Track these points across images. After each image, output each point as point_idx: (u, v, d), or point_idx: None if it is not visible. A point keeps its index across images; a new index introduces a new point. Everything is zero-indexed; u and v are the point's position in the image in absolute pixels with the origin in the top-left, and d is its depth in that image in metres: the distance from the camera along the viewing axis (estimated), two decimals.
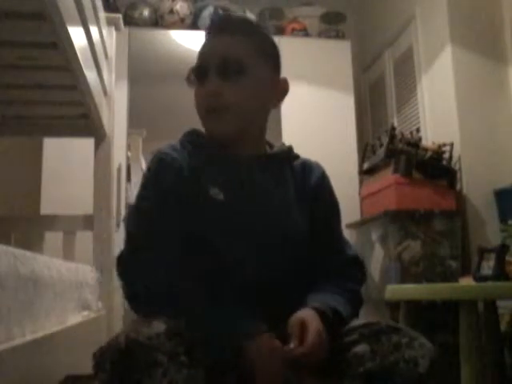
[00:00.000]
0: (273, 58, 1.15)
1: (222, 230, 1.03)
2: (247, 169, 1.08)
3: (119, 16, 2.82)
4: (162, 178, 1.04)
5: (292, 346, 0.87)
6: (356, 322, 0.97)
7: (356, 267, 1.14)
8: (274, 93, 1.15)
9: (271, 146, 1.18)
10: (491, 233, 2.75)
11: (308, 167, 1.17)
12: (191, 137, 1.11)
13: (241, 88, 1.05)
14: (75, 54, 1.53)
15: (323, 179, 1.17)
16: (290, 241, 1.06)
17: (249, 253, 1.01)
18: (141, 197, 1.04)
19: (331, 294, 1.02)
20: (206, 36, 1.11)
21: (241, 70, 1.05)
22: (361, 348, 0.90)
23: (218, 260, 1.01)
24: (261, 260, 1.02)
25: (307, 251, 1.08)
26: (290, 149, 1.19)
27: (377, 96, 4.03)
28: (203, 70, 1.07)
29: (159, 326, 0.81)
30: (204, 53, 1.09)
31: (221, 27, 1.11)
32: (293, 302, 1.00)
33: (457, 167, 2.85)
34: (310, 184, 1.15)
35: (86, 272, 1.91)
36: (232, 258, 1.01)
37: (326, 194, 1.17)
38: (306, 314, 0.93)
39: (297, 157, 1.19)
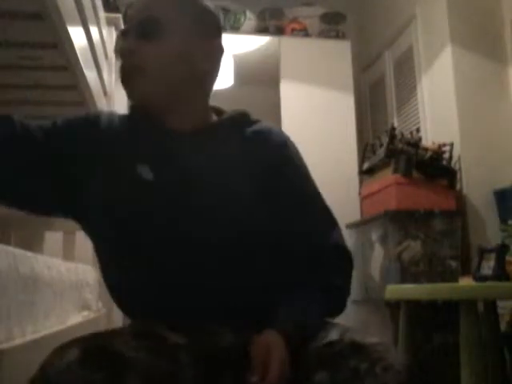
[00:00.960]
0: (203, 20, 1.01)
1: (150, 212, 0.92)
2: (183, 145, 0.96)
3: (119, 16, 2.82)
4: (80, 128, 0.98)
5: (255, 379, 0.78)
6: (319, 342, 0.85)
7: (338, 255, 0.99)
8: (206, 57, 0.99)
9: (221, 114, 1.04)
10: (491, 233, 2.74)
11: (263, 135, 1.01)
12: (130, 109, 1.03)
13: (160, 49, 0.95)
14: (75, 54, 1.53)
15: (285, 149, 1.01)
16: (235, 227, 0.92)
17: (184, 242, 0.91)
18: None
19: (303, 303, 0.91)
20: None
21: (160, 30, 0.95)
22: (320, 377, 0.80)
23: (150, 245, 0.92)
24: (201, 251, 0.90)
25: (271, 237, 0.95)
26: (241, 115, 1.03)
27: (377, 96, 4.03)
28: (124, 33, 0.98)
29: (73, 354, 0.72)
30: (130, 14, 0.99)
31: None
32: (257, 295, 0.92)
33: (457, 167, 2.85)
34: (266, 155, 0.98)
35: (85, 272, 1.91)
36: (166, 244, 0.91)
37: (288, 167, 1.00)
38: (271, 341, 0.82)
39: (252, 122, 1.03)
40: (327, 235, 1.00)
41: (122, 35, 0.98)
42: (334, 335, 0.85)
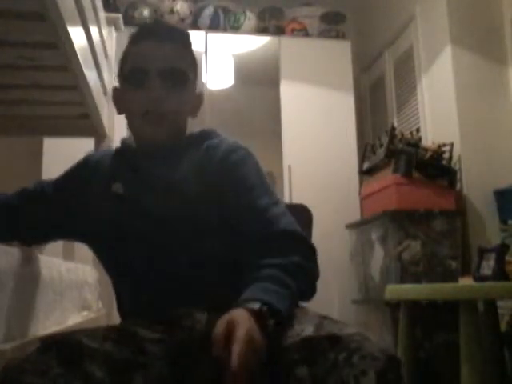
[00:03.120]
0: (198, 69, 1.22)
1: (121, 222, 1.08)
2: (146, 162, 1.11)
3: (119, 16, 2.83)
4: (73, 174, 1.21)
5: (214, 353, 0.77)
6: (295, 337, 0.85)
7: (289, 240, 1.01)
8: (197, 103, 1.20)
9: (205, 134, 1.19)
10: (491, 233, 2.75)
11: (213, 147, 1.12)
12: (120, 143, 1.20)
13: (182, 99, 1.11)
14: (75, 53, 1.53)
15: (228, 154, 1.10)
16: (186, 220, 1.04)
17: (149, 239, 1.05)
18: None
19: (264, 282, 0.91)
20: (137, 38, 1.13)
21: (184, 82, 1.12)
22: (300, 371, 0.80)
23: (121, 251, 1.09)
24: (161, 254, 1.04)
25: (226, 227, 1.04)
26: (201, 133, 1.17)
27: (377, 96, 4.03)
28: (143, 72, 1.09)
29: (33, 346, 0.83)
30: (144, 56, 1.10)
31: (161, 33, 1.13)
32: (223, 290, 0.98)
33: (457, 167, 2.85)
34: (211, 163, 1.09)
35: (85, 272, 1.91)
36: (131, 251, 1.07)
37: (230, 169, 1.08)
38: (234, 318, 0.81)
39: (212, 138, 1.15)
40: (273, 223, 1.03)
41: (137, 74, 1.10)
42: (309, 329, 0.86)
